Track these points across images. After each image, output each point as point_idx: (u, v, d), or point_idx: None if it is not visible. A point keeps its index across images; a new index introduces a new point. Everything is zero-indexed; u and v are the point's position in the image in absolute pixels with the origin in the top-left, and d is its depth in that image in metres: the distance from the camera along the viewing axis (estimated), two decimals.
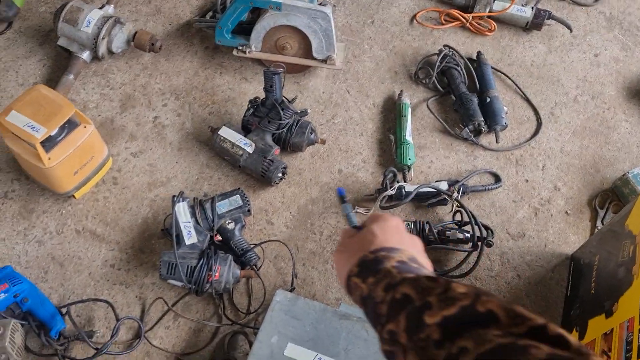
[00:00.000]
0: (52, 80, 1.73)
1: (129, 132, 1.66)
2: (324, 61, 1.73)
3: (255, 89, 1.75)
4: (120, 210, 1.53)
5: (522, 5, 1.90)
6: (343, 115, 1.73)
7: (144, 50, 1.75)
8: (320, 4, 1.68)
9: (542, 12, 1.89)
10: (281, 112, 1.54)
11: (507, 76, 1.82)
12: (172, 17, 1.90)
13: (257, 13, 1.74)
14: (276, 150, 1.57)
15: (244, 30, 1.73)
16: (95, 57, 1.73)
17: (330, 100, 1.76)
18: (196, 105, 1.72)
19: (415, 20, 1.95)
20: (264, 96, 1.57)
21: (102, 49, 1.70)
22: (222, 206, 1.46)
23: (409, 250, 0.68)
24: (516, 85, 1.81)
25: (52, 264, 1.44)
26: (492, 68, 1.81)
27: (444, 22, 1.94)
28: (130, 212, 1.53)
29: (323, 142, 1.63)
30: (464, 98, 1.70)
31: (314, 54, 1.72)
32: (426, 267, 0.68)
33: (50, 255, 1.45)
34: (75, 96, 1.71)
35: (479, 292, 0.52)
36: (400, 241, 0.69)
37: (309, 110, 1.68)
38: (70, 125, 1.40)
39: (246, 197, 1.47)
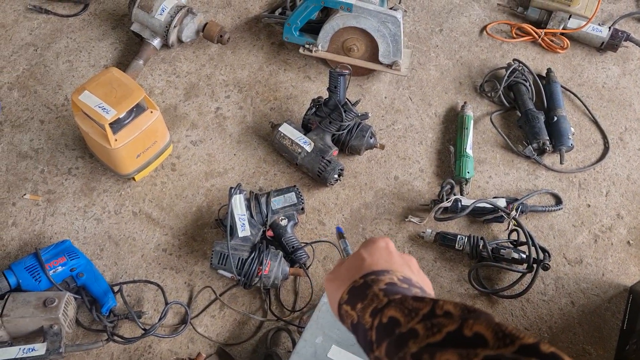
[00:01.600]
0: (122, 64, 1.78)
1: (190, 120, 1.68)
2: (390, 66, 1.72)
3: (317, 88, 1.76)
4: (176, 196, 1.55)
5: (599, 25, 1.84)
6: (403, 122, 1.71)
7: (212, 42, 1.77)
8: (391, 9, 1.67)
9: (619, 33, 1.82)
10: (343, 113, 1.53)
11: (576, 96, 1.77)
12: (241, 10, 1.93)
13: (326, 12, 1.74)
14: (334, 151, 1.56)
15: (312, 29, 1.74)
16: (165, 45, 1.77)
17: (392, 106, 1.74)
18: (258, 100, 1.73)
19: (485, 32, 1.91)
20: (326, 96, 1.57)
21: (172, 37, 1.74)
22: (277, 202, 1.47)
23: (400, 270, 0.66)
24: (585, 106, 1.75)
25: (108, 242, 1.48)
26: (562, 87, 1.76)
27: (515, 35, 1.90)
28: (185, 200, 1.55)
29: (382, 147, 1.61)
30: (530, 115, 1.66)
31: (380, 59, 1.71)
32: (422, 286, 0.65)
33: (107, 233, 1.49)
34: (142, 81, 1.75)
35: (466, 315, 0.50)
36: (390, 262, 0.67)
37: (370, 114, 1.67)
38: (138, 109, 1.43)
39: (301, 196, 1.48)
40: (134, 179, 1.55)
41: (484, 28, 1.92)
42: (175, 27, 1.72)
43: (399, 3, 1.73)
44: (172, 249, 1.48)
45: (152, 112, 1.45)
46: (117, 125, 1.40)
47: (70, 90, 1.72)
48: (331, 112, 1.56)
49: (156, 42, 1.75)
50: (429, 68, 1.83)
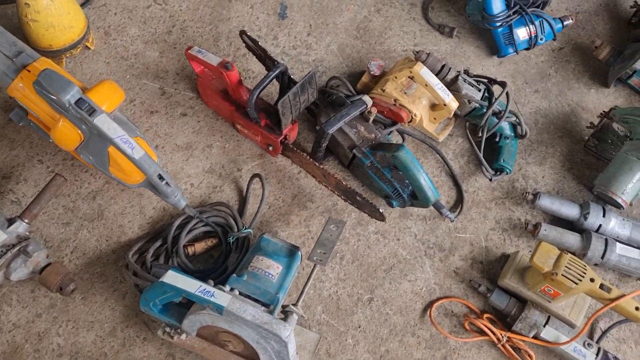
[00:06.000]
0: None
1: None
2: None
3: None
4: None
5: (585, 346, 1.32)
6: None
7: (50, 291, 1.31)
8: (284, 314, 1.18)
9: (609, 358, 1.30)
10: None
11: None
12: (114, 228, 1.45)
13: None
14: None
15: (180, 304, 1.26)
16: None
17: None
18: None
19: (429, 314, 1.40)
20: None
21: None
22: None
23: None
24: None
25: None
26: None
27: (467, 328, 1.39)
28: None
29: None
30: None
31: None
32: None
33: None
34: None
35: None
36: None
37: None
38: None
39: None
40: None
41: (430, 306, 1.41)
42: None
43: (296, 304, 1.22)
44: None
45: None
46: None
47: None
48: None
49: None
50: None
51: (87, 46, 1.65)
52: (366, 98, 1.45)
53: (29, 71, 1.28)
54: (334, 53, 1.75)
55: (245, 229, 1.42)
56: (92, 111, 1.18)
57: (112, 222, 1.46)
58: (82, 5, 1.74)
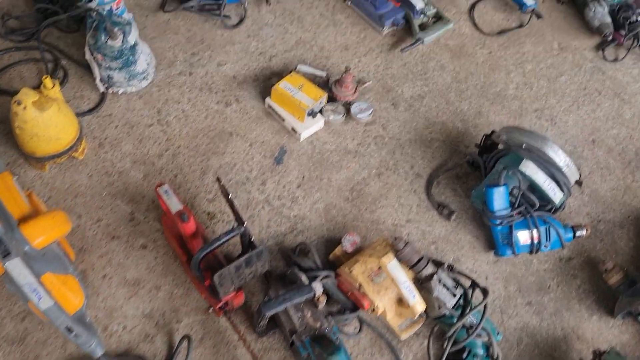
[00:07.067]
0: None
1: None
2: None
3: None
4: None
5: None
6: None
7: None
8: None
9: None
10: None
11: None
12: (30, 357, 1.36)
13: None
14: None
15: None
16: None
17: None
18: None
19: None
20: None
21: None
22: None
23: None
24: None
25: None
26: None
27: None
28: None
29: None
30: None
31: None
32: None
33: None
34: None
35: None
36: None
37: None
38: None
39: None
40: None
41: None
42: None
43: None
44: None
45: None
46: None
47: None
48: None
49: None
50: None
51: (74, 156, 1.64)
52: (317, 285, 1.33)
53: None
54: (318, 212, 1.65)
55: None
56: (7, 254, 1.13)
57: (30, 351, 1.38)
58: (89, 112, 1.76)
